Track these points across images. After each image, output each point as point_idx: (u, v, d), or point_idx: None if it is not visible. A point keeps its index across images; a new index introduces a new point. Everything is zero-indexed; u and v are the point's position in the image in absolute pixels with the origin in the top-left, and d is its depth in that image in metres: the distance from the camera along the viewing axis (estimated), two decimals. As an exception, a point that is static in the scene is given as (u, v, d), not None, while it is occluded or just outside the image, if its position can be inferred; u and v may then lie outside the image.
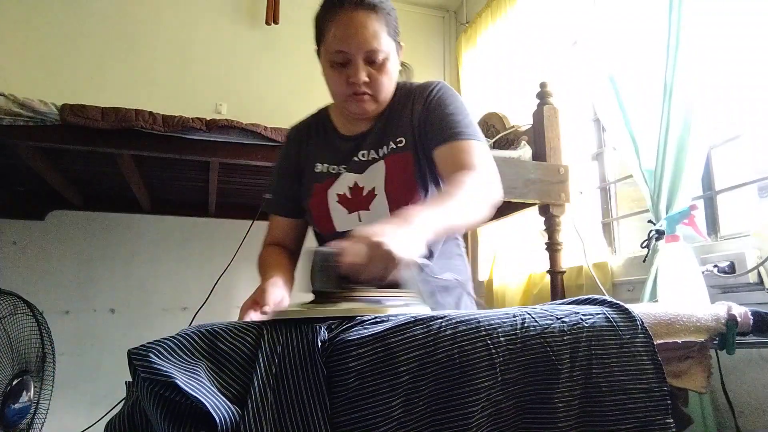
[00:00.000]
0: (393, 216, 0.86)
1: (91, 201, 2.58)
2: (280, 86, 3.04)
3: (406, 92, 1.17)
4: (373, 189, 1.11)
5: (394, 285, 0.83)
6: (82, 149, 1.76)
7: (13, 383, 1.83)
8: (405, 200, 1.07)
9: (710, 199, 1.71)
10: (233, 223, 2.73)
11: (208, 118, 1.80)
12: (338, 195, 1.14)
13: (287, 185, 1.22)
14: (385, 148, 1.13)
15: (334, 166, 1.16)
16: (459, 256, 1.20)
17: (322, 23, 1.11)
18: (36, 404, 2.01)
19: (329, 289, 0.79)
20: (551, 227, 2.07)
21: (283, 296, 1.03)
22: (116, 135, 1.70)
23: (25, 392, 1.90)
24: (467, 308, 1.15)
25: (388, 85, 1.10)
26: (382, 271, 0.76)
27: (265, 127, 1.85)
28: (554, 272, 2.08)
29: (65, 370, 2.34)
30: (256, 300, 1.00)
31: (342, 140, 1.18)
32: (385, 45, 1.06)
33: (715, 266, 1.50)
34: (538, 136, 2.13)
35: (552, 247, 2.08)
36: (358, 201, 1.12)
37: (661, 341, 0.81)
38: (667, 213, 1.59)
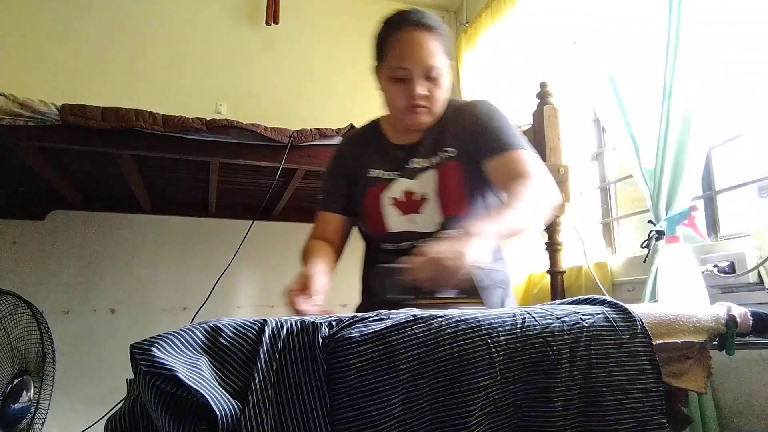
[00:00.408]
0: (454, 226, 1.08)
1: (91, 201, 2.58)
2: (280, 86, 3.04)
3: (454, 108, 1.27)
4: (426, 194, 1.21)
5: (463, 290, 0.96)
6: (82, 149, 1.76)
7: (13, 383, 1.83)
8: (455, 205, 1.19)
9: (710, 199, 1.71)
10: (233, 223, 2.73)
11: (208, 118, 1.81)
12: (393, 198, 1.23)
13: (339, 185, 1.31)
14: (436, 157, 1.22)
15: (388, 172, 1.25)
16: (500, 260, 1.26)
17: (383, 42, 1.21)
18: (36, 404, 2.01)
19: (400, 297, 0.91)
20: (551, 227, 2.07)
21: (327, 283, 1.11)
22: (116, 135, 1.70)
23: (25, 392, 1.90)
24: (511, 305, 1.23)
25: (442, 100, 1.21)
26: (447, 284, 0.88)
27: (265, 127, 1.85)
28: (554, 272, 2.08)
29: (65, 370, 2.34)
30: (305, 287, 1.04)
31: (394, 149, 1.28)
32: (441, 62, 1.16)
33: (715, 266, 1.50)
34: (538, 136, 2.13)
35: (552, 247, 2.08)
36: (411, 204, 1.22)
37: (661, 341, 0.81)
38: (666, 213, 1.59)
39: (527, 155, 1.15)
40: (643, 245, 1.64)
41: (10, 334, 1.85)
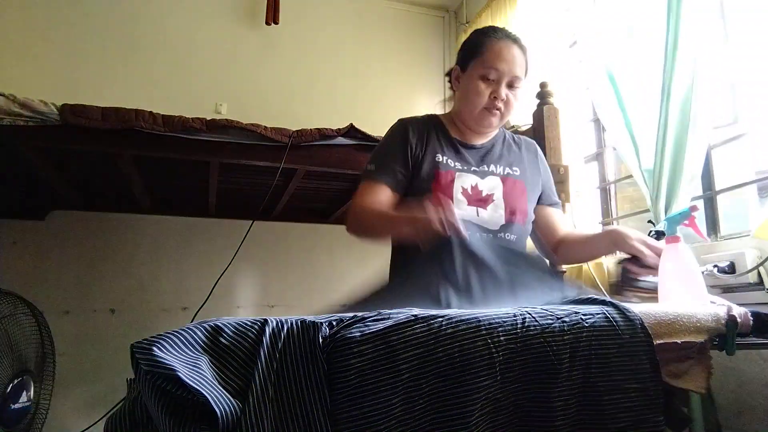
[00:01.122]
0: (512, 232, 1.29)
1: (91, 201, 2.58)
2: (280, 86, 3.04)
3: (512, 136, 1.46)
4: (492, 194, 1.32)
5: None
6: (82, 149, 1.76)
7: (13, 383, 1.83)
8: (520, 213, 1.32)
9: (710, 199, 1.71)
10: (233, 223, 2.73)
11: (208, 118, 1.80)
12: (462, 188, 1.30)
13: (397, 162, 1.33)
14: (503, 168, 1.36)
15: (456, 163, 1.33)
16: None
17: (479, 43, 1.33)
18: (36, 404, 2.01)
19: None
20: (551, 227, 2.07)
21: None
22: (116, 135, 1.70)
23: (25, 392, 1.90)
24: None
25: (513, 111, 1.34)
26: None
27: (265, 127, 1.85)
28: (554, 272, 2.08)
29: (65, 370, 2.34)
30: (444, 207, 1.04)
31: (462, 146, 1.38)
32: (524, 77, 1.33)
33: (715, 266, 1.50)
34: (538, 136, 2.13)
35: (552, 247, 2.07)
36: (478, 198, 1.30)
37: (662, 341, 0.81)
38: (666, 213, 1.59)
39: (562, 213, 1.48)
40: (643, 245, 1.64)
41: (10, 334, 1.85)
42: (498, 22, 2.88)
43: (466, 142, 1.39)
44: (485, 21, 3.02)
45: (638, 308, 0.84)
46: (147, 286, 2.67)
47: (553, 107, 2.15)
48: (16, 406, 1.84)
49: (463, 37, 3.28)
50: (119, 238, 2.67)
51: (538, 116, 2.15)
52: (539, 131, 2.13)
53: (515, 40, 1.33)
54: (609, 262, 2.07)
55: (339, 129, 1.95)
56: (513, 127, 2.29)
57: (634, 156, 1.75)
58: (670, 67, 1.58)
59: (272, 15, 3.02)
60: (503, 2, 2.82)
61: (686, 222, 1.13)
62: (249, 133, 1.82)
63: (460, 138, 1.39)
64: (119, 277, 2.64)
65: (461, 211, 1.26)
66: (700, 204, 1.70)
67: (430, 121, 1.43)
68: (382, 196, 1.29)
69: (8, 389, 1.79)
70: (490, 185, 1.32)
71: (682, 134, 1.57)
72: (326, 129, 1.93)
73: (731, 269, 1.47)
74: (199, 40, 2.97)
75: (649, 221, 1.64)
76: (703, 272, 1.49)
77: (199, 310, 2.15)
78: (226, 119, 1.82)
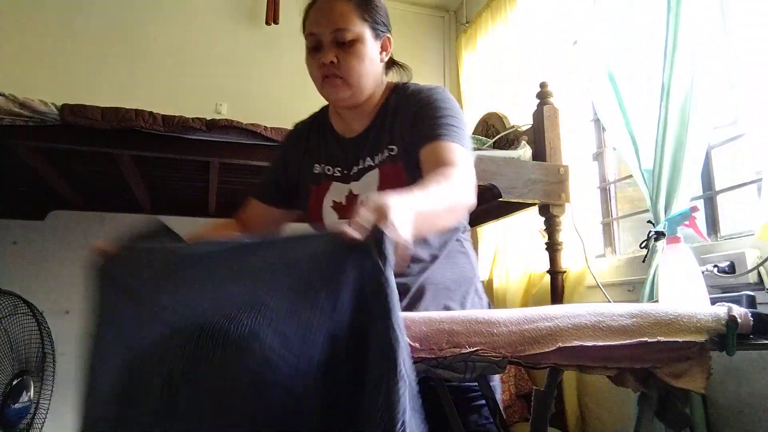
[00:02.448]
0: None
1: (91, 201, 2.58)
2: (280, 86, 3.04)
3: (401, 95, 1.15)
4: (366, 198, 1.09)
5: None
6: (82, 149, 1.76)
7: (13, 383, 1.83)
8: None
9: (710, 199, 1.71)
10: (233, 223, 2.73)
11: (208, 118, 1.80)
12: (334, 201, 1.13)
13: (273, 174, 1.24)
14: (379, 155, 1.11)
15: (331, 167, 1.16)
16: (463, 254, 1.16)
17: (304, 16, 1.13)
18: (36, 404, 2.01)
19: None
20: (551, 227, 2.07)
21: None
22: (116, 135, 1.70)
23: (25, 392, 1.90)
24: (474, 307, 1.12)
25: (359, 69, 1.08)
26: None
27: (265, 127, 1.85)
28: (554, 272, 2.08)
29: (65, 370, 2.34)
30: None
31: (340, 143, 1.18)
32: (355, 26, 1.06)
33: (715, 266, 1.50)
34: (538, 136, 2.13)
35: (552, 247, 2.08)
36: (350, 209, 1.08)
37: (662, 340, 0.81)
38: (666, 213, 1.59)
39: (459, 149, 1.01)
40: (643, 245, 1.64)
41: (10, 334, 1.85)
42: (498, 22, 2.88)
43: (345, 133, 1.18)
44: (485, 21, 3.03)
45: (638, 308, 0.84)
46: (147, 286, 2.67)
47: (553, 107, 2.15)
48: (16, 406, 1.84)
49: (464, 37, 3.29)
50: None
51: (538, 116, 2.15)
52: (539, 131, 2.14)
53: None
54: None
55: (339, 129, 1.94)
56: (513, 127, 2.29)
57: (634, 156, 1.75)
58: (670, 67, 1.58)
59: (272, 15, 3.02)
60: (503, 2, 2.82)
61: (687, 222, 1.14)
62: (249, 133, 1.83)
63: (341, 129, 1.19)
64: (119, 277, 2.64)
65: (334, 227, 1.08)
66: (700, 204, 1.70)
67: (315, 119, 1.25)
68: (251, 211, 1.24)
69: (8, 389, 1.79)
70: (367, 184, 1.11)
71: (681, 134, 1.57)
72: (326, 129, 1.93)
73: (731, 269, 1.47)
74: (200, 40, 2.97)
75: (649, 221, 1.64)
76: (703, 272, 1.49)
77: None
78: (226, 119, 1.82)
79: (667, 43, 1.59)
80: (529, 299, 2.33)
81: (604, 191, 2.26)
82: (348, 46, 1.06)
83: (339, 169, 1.15)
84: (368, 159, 1.12)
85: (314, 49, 1.08)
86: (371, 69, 1.10)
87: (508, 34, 2.77)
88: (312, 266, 0.64)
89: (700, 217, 1.63)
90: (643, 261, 1.61)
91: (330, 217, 1.13)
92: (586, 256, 2.01)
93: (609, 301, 1.82)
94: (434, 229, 0.96)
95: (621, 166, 2.18)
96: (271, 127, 1.86)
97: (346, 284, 0.61)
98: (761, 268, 1.42)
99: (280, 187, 1.22)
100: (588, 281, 2.03)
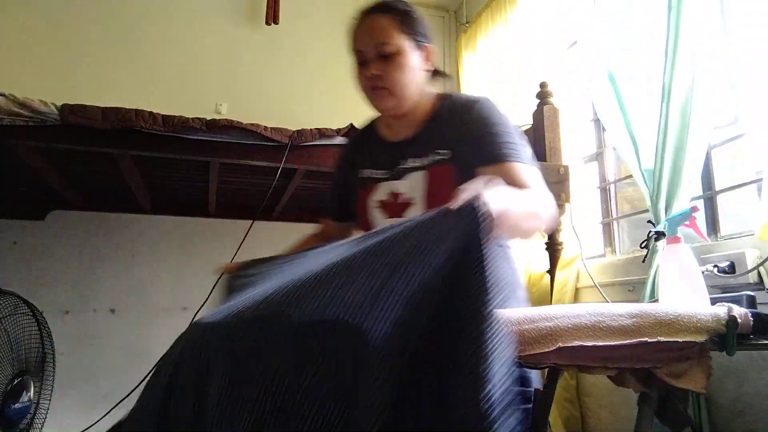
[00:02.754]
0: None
1: (91, 201, 2.58)
2: (280, 86, 3.04)
3: (450, 104, 1.21)
4: (412, 198, 1.15)
5: None
6: (82, 149, 1.76)
7: (13, 383, 1.83)
8: None
9: (710, 199, 1.71)
10: (233, 223, 2.73)
11: (208, 118, 1.81)
12: (378, 201, 1.19)
13: (336, 191, 1.34)
14: (428, 157, 1.15)
15: (378, 171, 1.23)
16: (505, 260, 1.19)
17: (349, 37, 1.21)
18: (36, 404, 2.01)
19: None
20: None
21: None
22: (116, 135, 1.70)
23: (25, 392, 1.90)
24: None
25: (402, 79, 1.14)
26: None
27: (265, 127, 1.85)
28: (554, 272, 2.08)
29: (65, 370, 2.34)
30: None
31: (386, 146, 1.24)
32: (396, 39, 1.12)
33: (715, 266, 1.49)
34: (538, 136, 2.13)
35: (552, 247, 2.08)
36: (396, 207, 1.16)
37: (662, 340, 0.81)
38: (666, 213, 1.59)
39: (526, 169, 1.08)
40: (643, 245, 1.64)
41: (10, 334, 1.85)
42: (498, 22, 2.88)
43: (393, 138, 1.24)
44: (485, 21, 3.03)
45: (638, 308, 0.84)
46: (147, 286, 2.68)
47: (553, 107, 2.15)
48: (16, 406, 1.84)
49: (464, 37, 3.29)
50: (119, 238, 2.68)
51: (538, 116, 2.15)
52: (539, 131, 2.14)
53: (374, 9, 1.16)
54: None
55: (339, 129, 1.95)
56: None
57: (634, 156, 1.75)
58: (671, 67, 1.58)
59: (272, 15, 3.02)
60: (503, 2, 2.82)
61: (687, 222, 1.14)
62: (249, 133, 1.83)
63: (389, 136, 1.25)
64: (119, 277, 2.64)
65: (379, 225, 1.12)
66: (700, 204, 1.70)
67: (367, 128, 1.34)
68: (326, 227, 1.35)
69: (8, 389, 1.79)
70: (412, 185, 1.15)
71: (682, 134, 1.57)
72: (326, 129, 1.93)
73: (731, 269, 1.47)
74: (199, 40, 2.97)
75: (649, 221, 1.64)
76: (703, 272, 1.49)
77: (199, 310, 2.14)
78: (226, 119, 1.82)
79: (668, 42, 1.59)
80: (529, 299, 2.33)
81: (604, 191, 2.26)
82: (390, 58, 1.13)
83: (383, 171, 1.21)
84: (414, 160, 1.17)
85: (361, 64, 1.16)
86: (414, 78, 1.16)
87: (508, 35, 2.76)
88: (415, 234, 0.71)
89: (700, 217, 1.63)
90: (643, 261, 1.61)
91: (375, 215, 1.19)
92: (583, 256, 2.01)
93: (607, 302, 1.82)
94: (519, 231, 0.98)
95: (621, 166, 2.18)
96: (271, 127, 1.86)
97: (445, 246, 0.68)
98: (761, 268, 1.42)
99: (345, 202, 1.31)
100: (586, 281, 2.03)
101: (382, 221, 1.17)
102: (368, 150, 1.28)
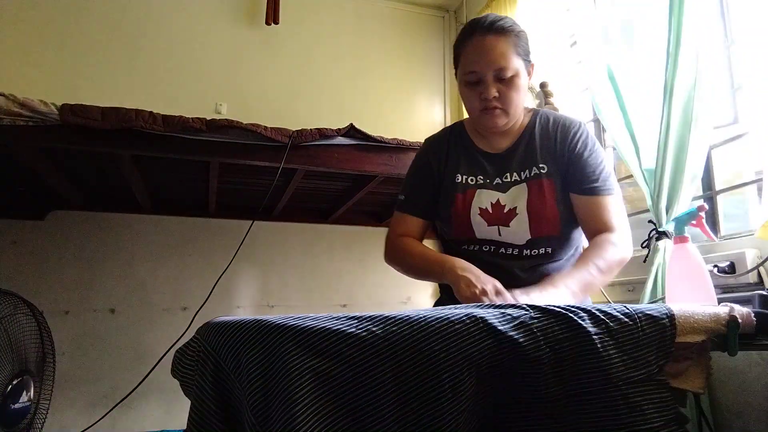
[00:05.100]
0: (542, 245, 1.19)
1: (91, 201, 2.58)
2: (280, 86, 3.03)
3: (549, 122, 1.28)
4: (515, 208, 1.22)
5: None
6: (82, 149, 1.76)
7: (13, 383, 1.82)
8: (547, 224, 1.20)
9: (710, 199, 1.71)
10: (233, 223, 2.73)
11: (208, 118, 1.80)
12: (480, 209, 1.24)
13: (423, 189, 1.33)
14: (528, 171, 1.24)
15: (476, 178, 1.27)
16: None
17: (458, 49, 1.24)
18: (36, 404, 2.01)
19: None
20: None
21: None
22: (116, 135, 1.70)
23: (25, 392, 1.89)
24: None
25: (516, 100, 1.20)
26: None
27: (265, 127, 1.85)
28: (554, 272, 2.07)
29: (65, 370, 2.34)
30: (488, 289, 1.06)
31: (484, 156, 1.29)
32: (513, 63, 1.17)
33: (715, 266, 1.49)
34: (538, 136, 2.13)
35: (552, 247, 2.07)
36: (498, 216, 1.23)
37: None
38: (667, 213, 1.59)
39: (614, 203, 1.21)
40: (644, 245, 1.64)
41: (10, 334, 1.85)
42: (498, 22, 2.88)
43: (489, 149, 1.29)
44: (485, 21, 3.02)
45: (639, 308, 0.84)
46: (147, 286, 2.67)
47: (553, 107, 2.15)
48: (16, 406, 1.84)
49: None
50: (119, 238, 2.67)
51: (538, 116, 2.15)
52: (539, 131, 2.13)
53: (489, 28, 1.17)
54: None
55: (339, 129, 1.95)
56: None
57: (634, 156, 1.75)
58: (673, 67, 1.57)
59: (272, 15, 3.02)
60: (503, 2, 2.82)
61: (693, 222, 1.13)
62: (249, 133, 1.82)
63: (483, 146, 1.30)
64: (119, 277, 2.64)
65: (481, 233, 1.23)
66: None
67: (452, 133, 1.36)
68: (412, 226, 1.33)
69: (8, 389, 1.79)
70: (514, 196, 1.22)
71: (684, 134, 1.57)
72: (326, 129, 1.93)
73: (731, 269, 1.47)
74: (199, 40, 2.97)
75: (650, 221, 1.64)
76: (703, 272, 1.49)
77: (199, 310, 2.15)
78: (226, 119, 1.82)
79: (670, 42, 1.59)
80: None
81: (604, 191, 2.26)
82: (508, 80, 1.18)
83: (482, 178, 1.27)
84: (514, 174, 1.25)
85: (474, 83, 1.20)
86: (524, 97, 1.23)
87: (508, 34, 2.76)
88: None
89: (700, 217, 1.63)
90: (644, 261, 1.61)
91: (478, 221, 1.24)
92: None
93: (608, 302, 1.82)
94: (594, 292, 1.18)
95: (621, 166, 2.18)
96: (271, 127, 1.86)
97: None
98: (761, 268, 1.42)
99: (431, 200, 1.32)
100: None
101: (483, 227, 1.23)
102: (458, 155, 1.31)
